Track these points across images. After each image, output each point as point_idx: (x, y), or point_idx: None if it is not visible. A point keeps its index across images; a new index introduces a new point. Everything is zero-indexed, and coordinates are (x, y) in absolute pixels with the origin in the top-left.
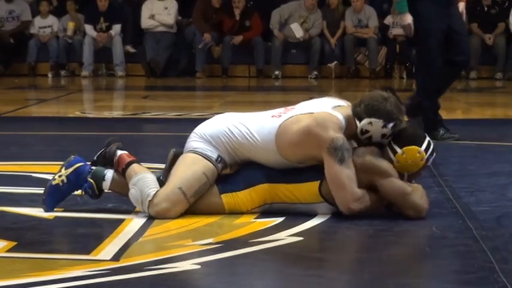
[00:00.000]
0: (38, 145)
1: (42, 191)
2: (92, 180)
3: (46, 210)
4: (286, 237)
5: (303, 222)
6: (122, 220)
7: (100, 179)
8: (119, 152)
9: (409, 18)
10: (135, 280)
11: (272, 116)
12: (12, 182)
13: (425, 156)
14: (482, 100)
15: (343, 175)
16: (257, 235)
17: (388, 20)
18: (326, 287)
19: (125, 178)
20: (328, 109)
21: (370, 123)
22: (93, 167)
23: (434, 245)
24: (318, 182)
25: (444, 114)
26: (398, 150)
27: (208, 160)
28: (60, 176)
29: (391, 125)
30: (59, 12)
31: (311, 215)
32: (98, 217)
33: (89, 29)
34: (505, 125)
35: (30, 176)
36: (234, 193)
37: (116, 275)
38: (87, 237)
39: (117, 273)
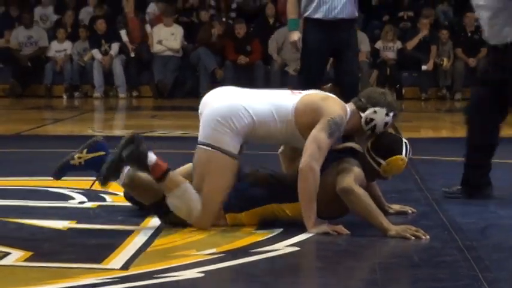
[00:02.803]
0: (53, 161)
1: (57, 205)
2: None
3: (53, 178)
4: (284, 247)
5: (300, 233)
6: (131, 231)
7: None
8: (153, 157)
9: (295, 36)
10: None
11: (291, 93)
12: (30, 196)
13: (407, 159)
14: None
15: (323, 143)
16: (257, 245)
17: (379, 44)
18: None
19: (158, 184)
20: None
21: (375, 111)
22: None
23: (422, 255)
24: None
25: (431, 133)
26: (382, 162)
27: (234, 158)
28: (79, 158)
29: (392, 113)
30: (74, 37)
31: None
32: (109, 228)
33: (95, 53)
34: None
35: (46, 190)
36: (238, 214)
37: (125, 283)
38: (98, 248)
39: (127, 281)
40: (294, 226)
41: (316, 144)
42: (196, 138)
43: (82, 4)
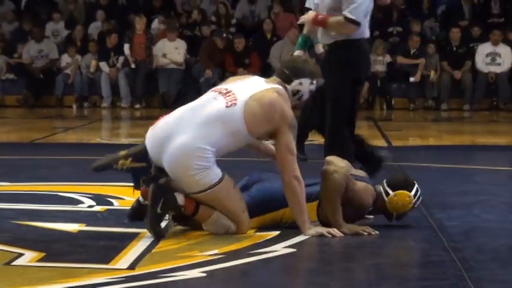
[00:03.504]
0: (63, 168)
1: (67, 208)
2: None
3: (93, 171)
4: (281, 248)
5: (296, 236)
6: (137, 234)
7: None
8: (181, 197)
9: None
10: (149, 287)
11: (227, 107)
12: (42, 200)
13: (413, 201)
14: (452, 128)
15: (294, 149)
16: (256, 247)
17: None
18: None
19: (193, 218)
20: (269, 86)
21: (300, 83)
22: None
23: (412, 255)
24: (317, 202)
25: (418, 141)
26: (391, 192)
27: (223, 178)
28: (123, 164)
29: (315, 81)
30: (83, 51)
31: None
32: (116, 231)
33: (103, 65)
34: (472, 150)
35: (57, 194)
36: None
37: (132, 282)
38: (106, 249)
39: (133, 280)
40: (290, 229)
41: (289, 153)
42: None
43: (91, 19)
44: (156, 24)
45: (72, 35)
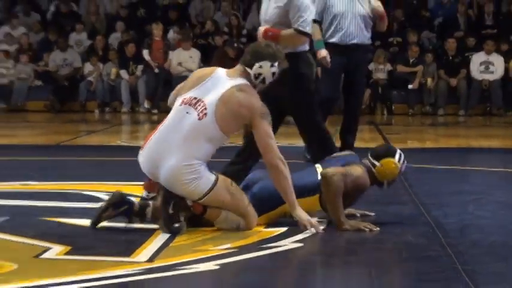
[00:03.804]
0: (87, 168)
1: (90, 206)
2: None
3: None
4: (289, 243)
5: (302, 232)
6: (155, 229)
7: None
8: (189, 202)
9: (324, 52)
10: (166, 278)
11: (199, 119)
12: (67, 198)
13: (399, 166)
14: (448, 132)
15: (272, 133)
16: (266, 242)
17: (371, 66)
18: (315, 283)
19: (204, 218)
20: (233, 83)
21: (260, 66)
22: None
23: (410, 250)
24: (318, 195)
25: (416, 144)
26: (377, 163)
27: (217, 178)
28: (109, 216)
29: (276, 63)
30: (104, 59)
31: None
32: (136, 227)
33: (122, 73)
34: (467, 153)
35: (81, 193)
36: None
37: (150, 274)
38: (127, 243)
39: (152, 272)
40: (297, 225)
41: (269, 138)
42: None
43: (111, 30)
44: (171, 34)
45: (94, 44)
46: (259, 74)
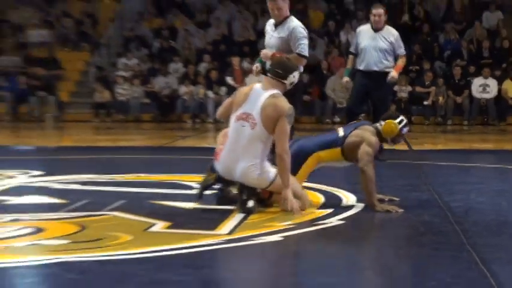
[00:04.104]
0: (183, 164)
1: (185, 192)
2: None
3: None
4: (335, 221)
5: (345, 212)
6: (233, 210)
7: None
8: (258, 190)
9: (345, 79)
10: (243, 246)
11: (252, 129)
12: (168, 186)
13: (399, 126)
14: (455, 138)
15: (287, 131)
16: (318, 219)
17: (396, 87)
18: (355, 250)
19: (270, 201)
20: (267, 94)
21: (294, 76)
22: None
23: (426, 227)
24: (340, 148)
25: (430, 146)
26: (382, 122)
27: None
28: (210, 178)
29: (298, 70)
30: (194, 83)
31: (351, 207)
32: (219, 208)
33: (209, 93)
34: (470, 153)
35: (178, 182)
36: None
37: (230, 244)
38: (213, 220)
39: (231, 242)
40: (341, 207)
41: (283, 135)
42: None
43: (200, 60)
44: (245, 64)
45: (187, 72)
46: (292, 82)
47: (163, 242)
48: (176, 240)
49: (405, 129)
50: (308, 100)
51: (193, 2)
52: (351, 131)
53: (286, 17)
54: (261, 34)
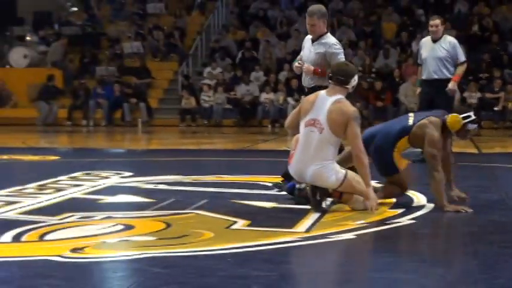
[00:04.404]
0: (261, 165)
1: (264, 192)
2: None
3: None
4: (406, 220)
5: (416, 212)
6: (309, 209)
7: None
8: (329, 191)
9: (418, 89)
10: (319, 243)
11: (320, 133)
12: (248, 187)
13: (462, 121)
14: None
15: (359, 133)
16: (389, 219)
17: (466, 94)
18: (425, 248)
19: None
20: (332, 100)
21: (354, 79)
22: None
23: (495, 226)
24: (407, 136)
25: (500, 150)
26: (449, 115)
27: (349, 173)
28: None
29: (359, 73)
30: (275, 90)
31: (421, 207)
32: (296, 207)
33: (289, 99)
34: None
35: (258, 183)
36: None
37: (307, 241)
38: (291, 218)
39: (308, 240)
40: (412, 207)
41: (356, 137)
42: None
43: (280, 69)
44: None
45: (268, 80)
46: (353, 86)
47: (243, 239)
48: (256, 238)
49: (471, 126)
50: (381, 106)
51: (275, 16)
52: (419, 120)
53: (323, 34)
54: None
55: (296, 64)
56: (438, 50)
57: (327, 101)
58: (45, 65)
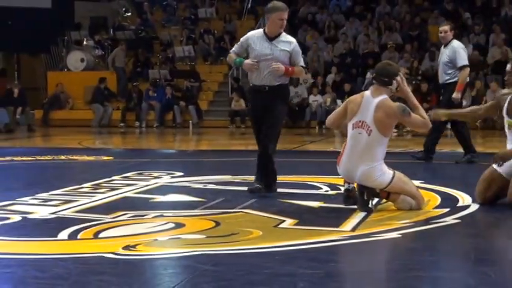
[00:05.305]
0: (308, 166)
1: (312, 192)
2: None
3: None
4: (451, 220)
5: (461, 211)
6: (355, 209)
7: None
8: (377, 189)
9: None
10: (365, 242)
11: (369, 135)
12: (297, 187)
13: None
14: None
15: (414, 118)
16: (434, 218)
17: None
18: (469, 247)
19: (388, 201)
20: (377, 101)
21: (395, 80)
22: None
23: None
24: None
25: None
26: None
27: (397, 174)
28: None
29: (400, 73)
30: (322, 92)
31: (466, 207)
32: (343, 207)
33: (339, 102)
34: None
35: (306, 183)
36: None
37: (353, 240)
38: (337, 218)
39: (354, 238)
40: (457, 207)
41: (419, 122)
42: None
43: (327, 72)
44: (368, 75)
45: (316, 82)
46: (397, 86)
47: (291, 237)
48: (303, 236)
49: None
50: (427, 107)
51: (323, 20)
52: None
53: (282, 31)
54: (383, 47)
55: (250, 62)
56: (444, 55)
57: (372, 103)
58: (101, 68)
